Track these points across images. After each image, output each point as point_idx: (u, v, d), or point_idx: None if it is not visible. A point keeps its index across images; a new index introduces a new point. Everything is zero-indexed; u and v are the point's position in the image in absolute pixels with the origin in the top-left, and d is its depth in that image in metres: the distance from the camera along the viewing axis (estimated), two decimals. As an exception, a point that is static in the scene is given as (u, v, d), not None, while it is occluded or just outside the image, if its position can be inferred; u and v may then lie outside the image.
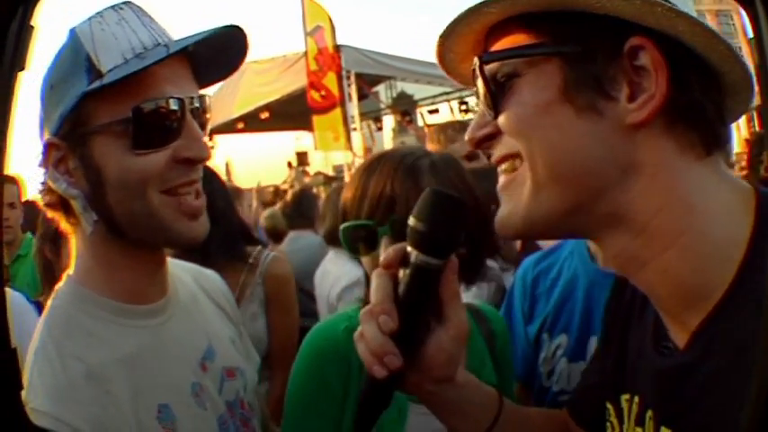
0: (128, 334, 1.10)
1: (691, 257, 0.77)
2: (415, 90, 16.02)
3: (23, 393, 0.99)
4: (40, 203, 1.16)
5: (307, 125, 14.15)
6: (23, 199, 3.68)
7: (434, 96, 15.92)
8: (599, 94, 0.77)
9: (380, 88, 15.84)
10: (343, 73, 11.42)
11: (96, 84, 1.02)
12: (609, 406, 0.99)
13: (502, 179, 0.87)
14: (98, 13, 1.08)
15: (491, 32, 0.86)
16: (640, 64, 0.76)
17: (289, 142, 18.62)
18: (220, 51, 1.13)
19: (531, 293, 1.76)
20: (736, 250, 0.75)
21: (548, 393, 1.60)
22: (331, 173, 13.26)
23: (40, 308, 2.73)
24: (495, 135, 0.86)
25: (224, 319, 1.37)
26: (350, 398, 1.26)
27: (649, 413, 0.86)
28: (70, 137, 1.06)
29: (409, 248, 0.87)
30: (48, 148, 1.07)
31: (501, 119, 0.83)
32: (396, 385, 0.90)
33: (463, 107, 15.38)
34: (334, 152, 13.36)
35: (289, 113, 13.88)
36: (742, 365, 0.67)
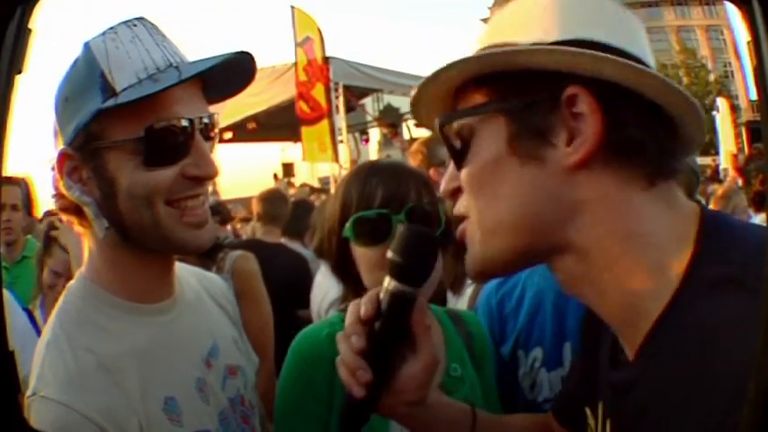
0: (137, 329, 1.15)
1: (627, 280, 0.83)
2: (402, 103, 16.07)
3: (32, 382, 1.02)
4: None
5: (293, 136, 14.16)
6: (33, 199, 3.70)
7: (421, 110, 15.99)
8: (540, 143, 0.83)
9: (367, 101, 15.88)
10: (332, 85, 11.44)
11: (110, 102, 1.06)
12: (587, 411, 1.05)
13: (459, 229, 0.94)
14: (111, 28, 1.11)
15: (458, 89, 0.93)
16: (578, 110, 0.81)
17: (275, 153, 18.63)
18: (230, 72, 1.17)
19: (498, 315, 1.81)
20: (673, 274, 0.80)
21: (533, 405, 1.63)
22: (317, 185, 13.25)
23: (29, 315, 2.76)
24: (461, 189, 0.92)
25: (226, 319, 1.41)
26: (335, 399, 1.33)
27: (609, 422, 0.93)
28: (84, 149, 1.10)
29: (386, 279, 0.98)
30: (62, 157, 1.11)
31: (461, 174, 0.91)
32: (372, 406, 0.98)
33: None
34: (321, 164, 13.36)
35: (276, 124, 13.87)
36: (679, 383, 0.75)
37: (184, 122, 1.10)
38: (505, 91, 0.85)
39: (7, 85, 0.71)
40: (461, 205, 0.92)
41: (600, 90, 0.80)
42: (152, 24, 1.15)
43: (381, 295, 0.97)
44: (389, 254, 0.97)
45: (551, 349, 1.64)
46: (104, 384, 1.05)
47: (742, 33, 0.67)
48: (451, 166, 0.95)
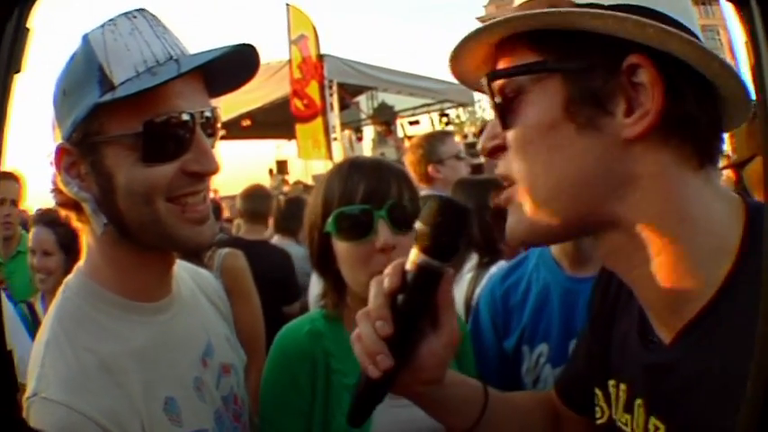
0: (137, 328, 1.13)
1: (681, 264, 0.82)
2: (396, 101, 16.09)
3: (32, 382, 1.00)
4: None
5: (288, 134, 14.11)
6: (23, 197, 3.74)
7: (415, 108, 16.02)
8: (598, 110, 0.80)
9: (362, 98, 15.86)
10: (326, 82, 11.42)
11: (108, 96, 1.03)
12: (597, 391, 1.05)
13: (504, 193, 0.91)
14: (111, 20, 1.09)
15: (500, 45, 0.89)
16: (638, 80, 0.79)
17: (269, 151, 18.58)
18: (232, 65, 1.15)
19: (502, 308, 1.80)
20: (724, 259, 0.80)
21: None
22: (311, 182, 13.22)
23: (30, 308, 2.79)
24: (503, 147, 0.90)
25: (218, 317, 1.40)
26: (317, 394, 1.37)
27: (639, 401, 0.92)
28: (82, 144, 1.07)
29: (413, 251, 0.92)
30: (60, 152, 1.09)
31: (509, 135, 0.88)
32: (388, 384, 0.93)
33: (444, 119, 15.50)
34: (315, 161, 13.34)
35: (270, 122, 13.84)
36: (725, 365, 0.75)
37: (185, 117, 1.07)
38: (562, 51, 0.82)
39: (5, 85, 0.71)
40: (507, 167, 0.89)
41: (660, 61, 0.78)
42: (153, 16, 1.12)
43: (408, 267, 0.92)
44: (418, 224, 0.92)
45: (557, 345, 1.62)
46: (107, 385, 1.04)
47: (738, 33, 0.68)
48: (491, 123, 0.92)
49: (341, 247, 1.41)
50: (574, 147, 0.82)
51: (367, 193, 1.38)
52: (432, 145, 3.38)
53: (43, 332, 1.09)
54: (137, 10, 1.11)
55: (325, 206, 1.42)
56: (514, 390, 1.65)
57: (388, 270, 0.94)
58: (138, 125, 1.04)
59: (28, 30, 0.73)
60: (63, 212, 1.18)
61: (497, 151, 0.91)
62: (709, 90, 0.82)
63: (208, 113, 1.12)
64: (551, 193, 0.84)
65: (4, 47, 0.71)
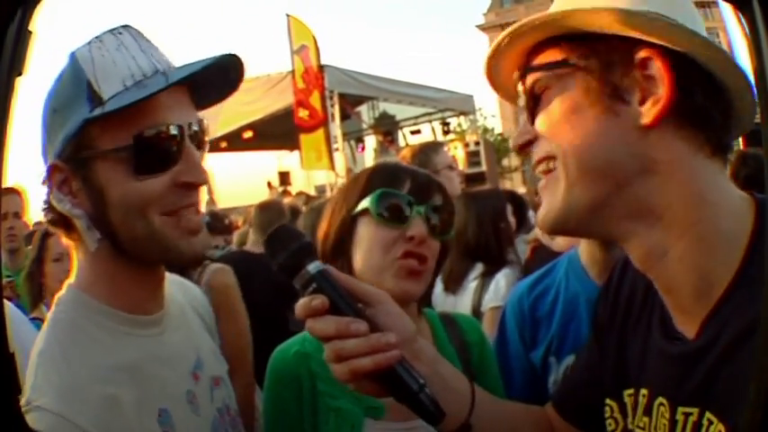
0: (130, 342, 1.13)
1: (703, 246, 0.89)
2: (398, 110, 16.15)
3: (27, 391, 0.98)
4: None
5: (289, 145, 14.17)
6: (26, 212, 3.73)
7: (416, 117, 16.09)
8: (616, 100, 0.91)
9: (363, 108, 15.92)
10: (327, 93, 11.46)
11: (97, 111, 1.04)
12: (611, 403, 1.08)
13: (541, 182, 1.00)
14: (97, 37, 1.10)
15: (530, 55, 1.00)
16: (649, 73, 0.89)
17: (271, 162, 18.63)
18: (217, 76, 1.16)
19: (530, 319, 1.77)
20: (739, 242, 0.87)
21: None
22: (313, 193, 13.24)
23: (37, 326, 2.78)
24: (533, 141, 1.00)
25: (204, 330, 1.40)
26: (305, 417, 1.35)
27: (659, 400, 0.96)
28: (73, 160, 1.08)
29: (297, 282, 0.98)
30: (51, 170, 1.10)
31: (537, 124, 0.98)
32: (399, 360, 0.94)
33: (445, 128, 15.55)
34: (318, 171, 13.37)
35: (272, 133, 13.88)
36: (746, 343, 0.81)
37: (173, 129, 1.09)
38: (584, 51, 0.93)
39: (7, 88, 0.71)
40: (543, 147, 0.98)
41: (671, 58, 0.88)
42: (138, 31, 1.14)
43: (312, 287, 0.96)
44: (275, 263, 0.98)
45: None
46: (99, 397, 1.03)
47: (737, 35, 0.69)
48: (524, 121, 1.02)
49: (369, 228, 1.37)
50: (597, 128, 0.91)
51: (413, 187, 1.38)
52: (426, 155, 3.36)
53: (39, 342, 1.09)
54: (122, 26, 1.12)
55: (366, 189, 1.39)
56: (541, 403, 1.64)
57: (303, 307, 0.95)
58: (128, 138, 1.05)
59: (30, 32, 0.73)
60: (53, 229, 1.18)
61: (528, 145, 1.01)
62: (718, 88, 0.90)
63: (195, 126, 1.13)
64: (580, 168, 0.92)
65: (6, 49, 0.71)
